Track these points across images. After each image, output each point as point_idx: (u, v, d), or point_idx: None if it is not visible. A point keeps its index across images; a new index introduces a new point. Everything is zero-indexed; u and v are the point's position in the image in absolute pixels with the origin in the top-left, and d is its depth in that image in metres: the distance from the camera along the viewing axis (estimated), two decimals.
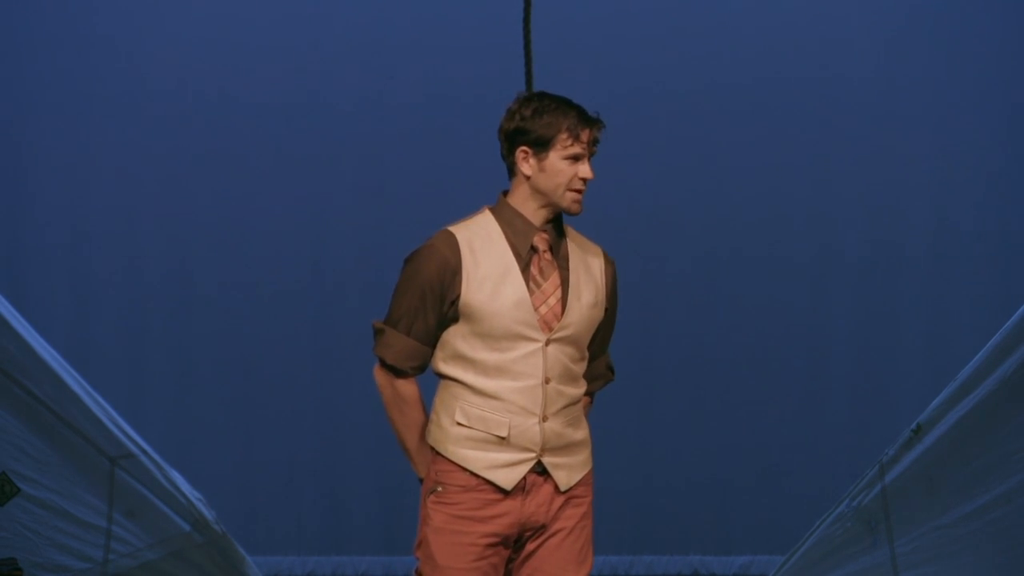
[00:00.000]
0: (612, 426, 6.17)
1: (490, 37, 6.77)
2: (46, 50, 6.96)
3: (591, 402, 4.32)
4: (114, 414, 5.58)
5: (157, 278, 7.06)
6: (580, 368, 4.13)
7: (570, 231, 4.17)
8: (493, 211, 4.10)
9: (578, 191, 4.03)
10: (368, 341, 4.16)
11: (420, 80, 7.05)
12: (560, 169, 4.02)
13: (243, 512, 6.95)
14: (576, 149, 4.01)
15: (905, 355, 7.14)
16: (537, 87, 5.18)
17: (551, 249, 4.07)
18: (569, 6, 6.94)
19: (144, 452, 5.63)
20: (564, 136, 4.00)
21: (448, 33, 7.05)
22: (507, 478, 4.04)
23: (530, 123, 4.02)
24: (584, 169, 4.02)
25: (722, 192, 7.13)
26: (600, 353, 4.25)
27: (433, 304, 4.03)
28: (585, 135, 4.02)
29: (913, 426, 5.48)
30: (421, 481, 4.18)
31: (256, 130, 7.05)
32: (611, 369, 4.32)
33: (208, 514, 5.76)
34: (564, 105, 4.04)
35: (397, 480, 6.95)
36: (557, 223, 4.11)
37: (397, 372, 4.11)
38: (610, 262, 4.21)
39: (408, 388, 4.14)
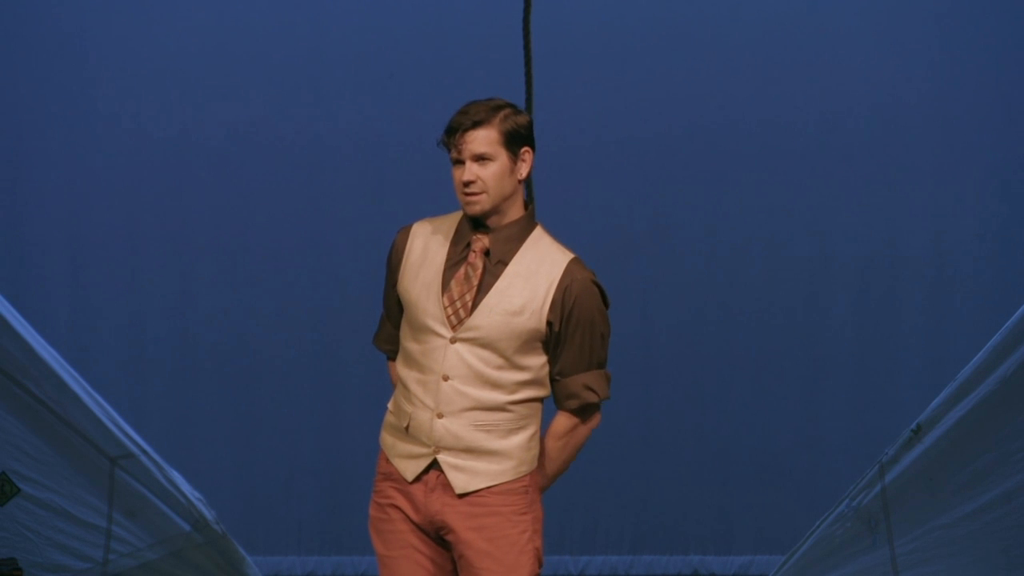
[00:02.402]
0: (612, 426, 6.16)
1: (489, 38, 6.76)
2: (45, 54, 6.95)
3: (579, 424, 4.12)
4: (114, 414, 5.59)
5: (157, 278, 7.05)
6: (507, 376, 4.01)
7: (541, 239, 4.08)
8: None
9: (466, 194, 4.02)
10: (367, 340, 4.19)
11: (419, 80, 7.04)
12: (454, 176, 4.06)
13: (243, 512, 6.95)
14: (452, 155, 4.05)
15: (905, 355, 7.14)
16: (537, 88, 5.19)
17: (488, 252, 4.04)
18: (569, 6, 6.93)
19: (144, 452, 5.63)
20: (446, 146, 4.07)
21: (448, 33, 7.04)
22: (408, 469, 4.07)
23: None
24: (460, 173, 4.02)
25: (722, 191, 7.12)
26: (573, 372, 4.06)
27: (392, 290, 4.18)
28: (451, 140, 4.04)
29: (913, 426, 5.48)
30: None
31: (256, 132, 7.04)
32: (591, 390, 4.07)
33: (208, 514, 5.76)
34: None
35: None
36: (521, 228, 4.06)
37: (386, 355, 4.28)
38: (573, 279, 4.03)
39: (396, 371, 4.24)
